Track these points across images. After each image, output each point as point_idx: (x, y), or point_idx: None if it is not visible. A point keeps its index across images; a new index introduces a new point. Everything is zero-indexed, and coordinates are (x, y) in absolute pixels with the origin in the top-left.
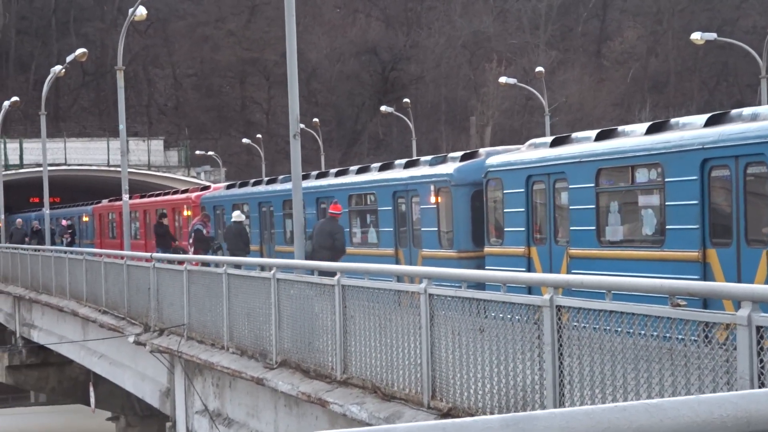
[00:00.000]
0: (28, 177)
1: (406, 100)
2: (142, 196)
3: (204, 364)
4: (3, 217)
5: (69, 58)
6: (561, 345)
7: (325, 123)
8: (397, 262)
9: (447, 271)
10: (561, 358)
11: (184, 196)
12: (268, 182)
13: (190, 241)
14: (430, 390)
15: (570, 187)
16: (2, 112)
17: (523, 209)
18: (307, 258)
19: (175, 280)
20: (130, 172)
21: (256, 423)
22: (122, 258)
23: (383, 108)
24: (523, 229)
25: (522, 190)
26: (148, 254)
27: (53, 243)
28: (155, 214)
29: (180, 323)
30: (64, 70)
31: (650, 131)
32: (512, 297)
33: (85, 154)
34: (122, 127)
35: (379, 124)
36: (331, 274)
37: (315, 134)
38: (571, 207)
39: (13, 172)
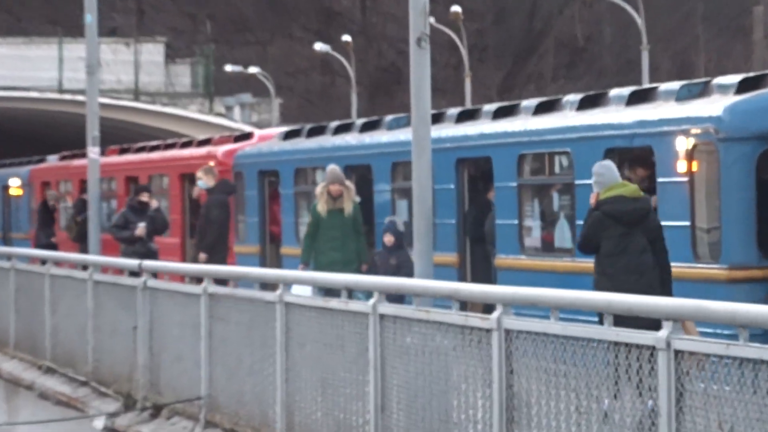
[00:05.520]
0: None
1: None
2: (123, 151)
3: None
4: None
5: None
6: None
7: (473, 17)
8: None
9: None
10: None
11: (203, 151)
12: (363, 128)
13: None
14: None
15: None
16: None
17: None
18: None
19: (186, 312)
20: (102, 105)
21: None
22: (85, 268)
23: None
24: None
25: None
26: (135, 262)
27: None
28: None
29: (193, 395)
30: None
31: None
32: None
33: (20, 70)
34: (90, 20)
35: (576, 20)
36: None
37: (456, 38)
38: None
39: None
